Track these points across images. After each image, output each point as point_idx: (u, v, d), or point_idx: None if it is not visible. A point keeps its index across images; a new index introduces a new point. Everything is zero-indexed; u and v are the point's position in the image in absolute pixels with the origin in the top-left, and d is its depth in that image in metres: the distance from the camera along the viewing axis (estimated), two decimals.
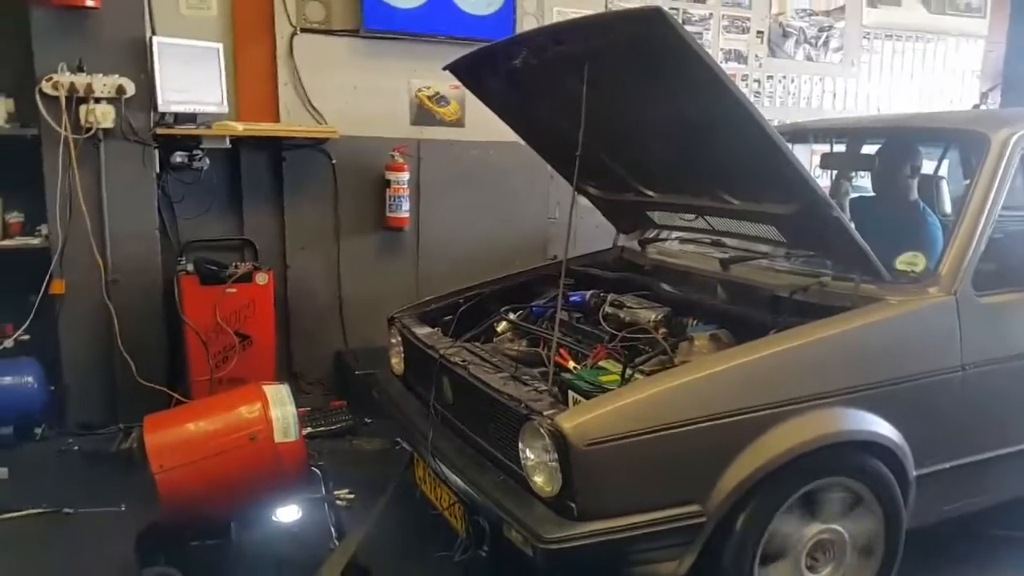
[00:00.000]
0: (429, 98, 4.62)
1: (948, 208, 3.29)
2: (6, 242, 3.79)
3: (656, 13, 2.03)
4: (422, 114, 4.62)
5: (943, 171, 3.63)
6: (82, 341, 3.90)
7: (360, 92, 4.46)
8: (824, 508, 2.30)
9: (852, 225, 2.40)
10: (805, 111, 5.46)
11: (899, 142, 3.23)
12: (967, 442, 2.49)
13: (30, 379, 3.71)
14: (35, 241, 3.83)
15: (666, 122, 2.56)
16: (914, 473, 2.39)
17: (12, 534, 2.99)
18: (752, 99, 5.25)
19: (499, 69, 2.83)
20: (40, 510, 3.11)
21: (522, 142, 3.36)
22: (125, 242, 3.90)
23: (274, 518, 2.77)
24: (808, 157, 4.27)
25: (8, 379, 3.67)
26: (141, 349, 3.90)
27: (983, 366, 2.44)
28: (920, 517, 2.47)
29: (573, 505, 2.02)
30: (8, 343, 3.76)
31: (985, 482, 2.62)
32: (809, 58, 5.48)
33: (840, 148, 3.59)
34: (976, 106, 5.42)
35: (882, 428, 2.29)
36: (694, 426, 2.09)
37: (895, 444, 2.32)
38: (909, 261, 2.45)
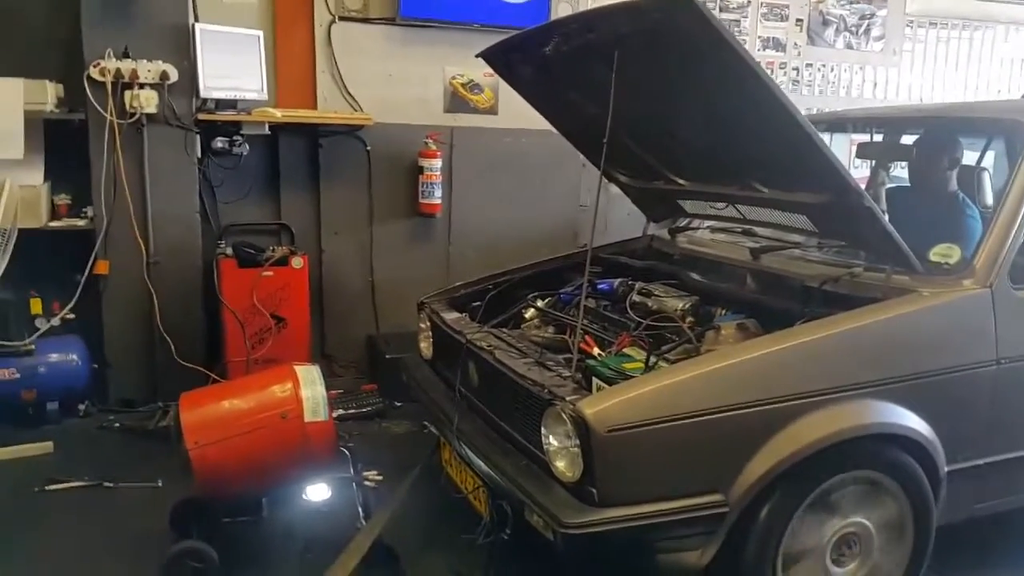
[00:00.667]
0: (463, 85, 4.64)
1: (990, 200, 3.21)
2: (54, 223, 3.91)
3: (686, 0, 2.02)
4: (456, 101, 4.65)
5: (989, 162, 3.55)
6: (124, 320, 4.01)
7: (395, 79, 4.51)
8: (851, 502, 2.28)
9: (885, 216, 2.36)
10: (845, 100, 5.38)
11: (937, 134, 3.16)
12: (1001, 438, 2.44)
13: (75, 356, 3.83)
14: (81, 222, 3.94)
15: (696, 110, 2.54)
16: (945, 469, 2.35)
17: (56, 505, 3.10)
18: (791, 87, 5.23)
19: (531, 56, 2.84)
20: (82, 483, 3.22)
21: (554, 130, 3.36)
22: (166, 225, 4.00)
23: (304, 497, 2.83)
24: (848, 146, 4.21)
25: (55, 356, 3.79)
26: (180, 329, 4.00)
27: (1019, 361, 2.38)
28: (951, 514, 2.43)
29: (594, 491, 2.03)
30: (55, 321, 3.88)
31: (1021, 480, 2.56)
32: (849, 46, 5.39)
33: (879, 138, 3.53)
34: None
35: (912, 422, 2.26)
36: (718, 415, 2.07)
37: (925, 438, 2.28)
38: (943, 253, 2.40)
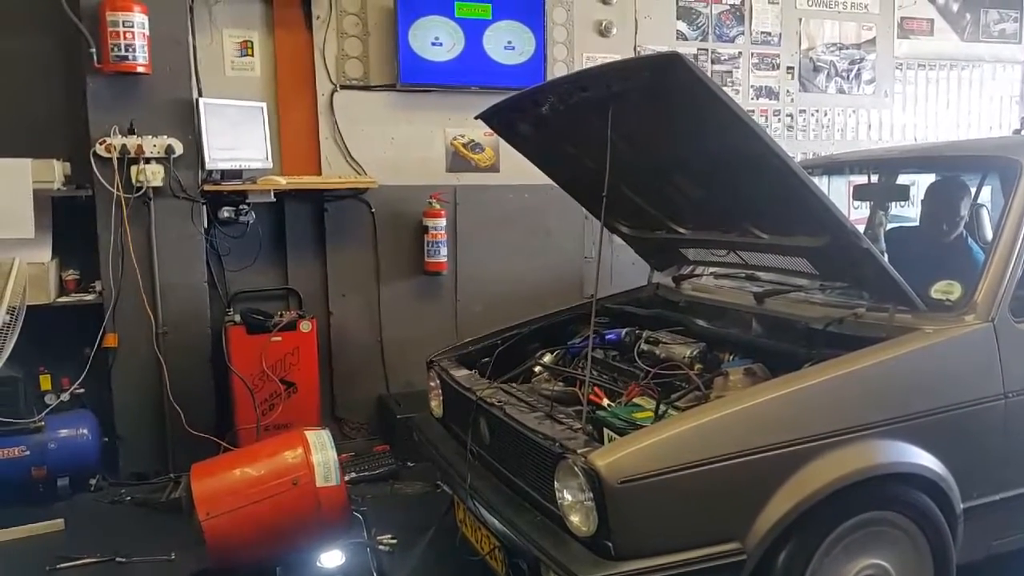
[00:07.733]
0: (464, 145, 4.73)
1: (990, 235, 3.23)
2: (63, 299, 3.94)
3: (675, 58, 2.08)
4: (457, 161, 4.73)
5: (988, 198, 3.58)
6: (134, 392, 4.02)
7: (397, 143, 4.60)
8: (868, 544, 2.25)
9: (884, 256, 2.39)
10: (840, 143, 5.46)
11: (951, 182, 3.22)
12: (1016, 472, 2.42)
13: (85, 431, 3.82)
14: (89, 297, 3.98)
15: (691, 160, 2.59)
16: (961, 506, 2.33)
17: None
18: (785, 133, 5.31)
19: (528, 115, 2.90)
20: (94, 560, 3.18)
21: (556, 184, 3.41)
22: (175, 295, 4.04)
23: (318, 563, 2.81)
24: (847, 189, 4.26)
25: (65, 432, 3.78)
26: (190, 399, 4.01)
27: None
28: (969, 552, 2.40)
29: (610, 544, 2.01)
30: (64, 396, 3.88)
31: None
32: (841, 91, 5.50)
33: (875, 178, 3.57)
34: (1017, 131, 5.34)
35: (924, 460, 2.25)
36: (730, 462, 2.07)
37: (939, 476, 2.27)
38: (944, 289, 2.42)
